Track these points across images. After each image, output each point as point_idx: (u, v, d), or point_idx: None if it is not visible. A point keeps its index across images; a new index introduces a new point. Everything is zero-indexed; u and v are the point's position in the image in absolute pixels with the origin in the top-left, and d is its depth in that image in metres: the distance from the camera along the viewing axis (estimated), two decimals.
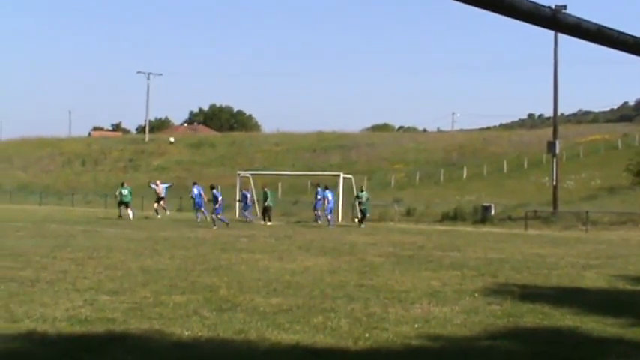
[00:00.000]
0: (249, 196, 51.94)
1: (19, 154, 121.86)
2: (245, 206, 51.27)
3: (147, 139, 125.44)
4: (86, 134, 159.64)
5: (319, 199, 47.45)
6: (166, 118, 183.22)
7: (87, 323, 11.13)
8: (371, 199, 46.00)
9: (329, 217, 46.19)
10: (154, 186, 50.67)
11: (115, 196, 51.51)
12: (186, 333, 10.48)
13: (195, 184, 46.81)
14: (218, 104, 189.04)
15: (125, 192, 48.00)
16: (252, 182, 55.53)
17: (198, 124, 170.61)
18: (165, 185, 51.53)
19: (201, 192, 44.74)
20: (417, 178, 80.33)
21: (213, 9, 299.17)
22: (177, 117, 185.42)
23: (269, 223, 45.09)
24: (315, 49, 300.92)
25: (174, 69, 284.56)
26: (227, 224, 40.10)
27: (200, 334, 10.47)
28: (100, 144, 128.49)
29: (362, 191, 46.53)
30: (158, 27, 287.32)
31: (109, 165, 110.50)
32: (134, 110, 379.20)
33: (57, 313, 11.82)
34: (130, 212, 47.82)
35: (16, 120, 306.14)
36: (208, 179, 59.02)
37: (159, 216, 48.51)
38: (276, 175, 69.93)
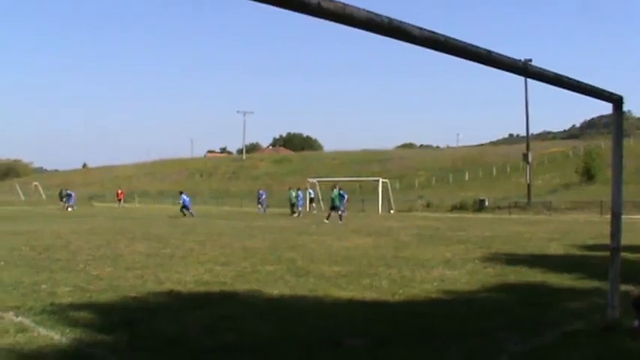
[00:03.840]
0: (264, 195, 51.77)
1: (159, 170, 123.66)
2: (262, 201, 50.99)
3: (244, 158, 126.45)
4: (203, 155, 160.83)
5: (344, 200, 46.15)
6: (257, 142, 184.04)
7: (207, 285, 11.25)
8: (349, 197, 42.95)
9: (300, 208, 44.89)
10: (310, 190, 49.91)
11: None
12: (275, 292, 10.53)
13: (181, 192, 43.99)
14: (293, 132, 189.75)
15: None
16: (317, 185, 55.61)
17: (280, 146, 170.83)
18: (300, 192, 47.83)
19: (187, 198, 42.78)
20: (434, 180, 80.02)
21: (284, 64, 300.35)
22: (265, 141, 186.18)
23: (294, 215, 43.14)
24: (361, 90, 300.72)
25: (263, 107, 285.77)
26: (192, 215, 40.82)
27: (284, 292, 10.50)
28: (213, 162, 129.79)
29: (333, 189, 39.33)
30: (252, 79, 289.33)
31: (218, 176, 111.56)
32: (235, 137, 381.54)
33: (187, 278, 11.98)
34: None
35: (159, 146, 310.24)
36: (287, 184, 59.15)
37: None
38: (334, 180, 69.66)
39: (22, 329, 7.58)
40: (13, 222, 32.86)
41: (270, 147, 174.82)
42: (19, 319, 8.19)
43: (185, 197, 42.23)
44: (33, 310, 8.72)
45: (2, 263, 14.21)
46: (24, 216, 40.87)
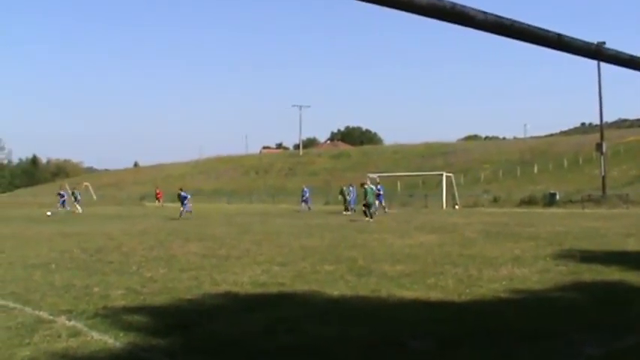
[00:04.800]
0: (308, 193, 50.92)
1: (213, 167, 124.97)
2: (306, 199, 50.10)
3: (301, 153, 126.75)
4: (258, 151, 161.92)
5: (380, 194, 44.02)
6: (314, 137, 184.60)
7: (264, 286, 11.33)
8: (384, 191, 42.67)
9: (353, 205, 43.92)
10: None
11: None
12: (335, 292, 10.55)
13: (181, 189, 41.31)
14: (352, 125, 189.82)
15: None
16: (378, 181, 55.46)
17: (338, 140, 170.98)
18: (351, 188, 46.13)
19: (187, 195, 40.07)
20: (500, 173, 78.91)
21: (340, 56, 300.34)
22: (322, 136, 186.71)
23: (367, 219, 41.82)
24: (422, 80, 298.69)
25: (320, 101, 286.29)
26: (190, 213, 38.81)
27: (345, 293, 10.52)
28: (268, 158, 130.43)
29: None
30: (308, 72, 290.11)
31: (274, 173, 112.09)
32: (291, 132, 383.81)
33: (243, 279, 12.08)
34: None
35: (213, 143, 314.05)
36: (347, 180, 59.04)
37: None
38: (395, 175, 69.51)
39: (75, 333, 7.77)
40: (63, 223, 33.64)
41: (328, 141, 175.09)
42: (72, 323, 8.39)
43: (185, 194, 40.16)
44: (85, 314, 8.92)
45: (54, 266, 14.57)
46: (74, 217, 41.85)
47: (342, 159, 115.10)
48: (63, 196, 52.39)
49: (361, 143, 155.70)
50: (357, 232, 24.26)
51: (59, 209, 49.51)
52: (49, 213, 43.94)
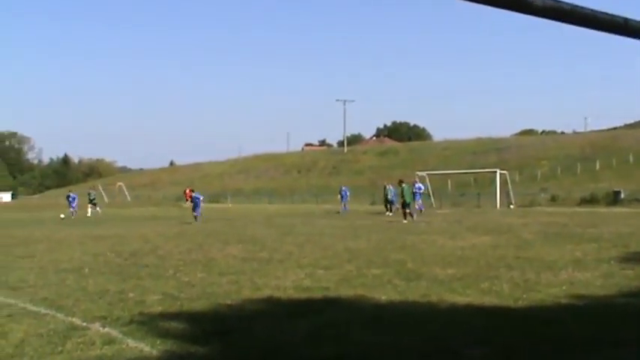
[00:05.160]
0: (347, 192, 49.99)
1: (253, 166, 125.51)
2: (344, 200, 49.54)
3: (345, 151, 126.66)
4: (300, 149, 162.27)
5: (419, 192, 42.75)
6: (359, 133, 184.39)
7: (308, 291, 11.35)
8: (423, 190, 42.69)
9: (396, 205, 41.41)
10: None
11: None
12: (383, 297, 10.53)
13: (192, 190, 41.26)
14: (399, 120, 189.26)
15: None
16: (427, 179, 55.17)
17: (384, 136, 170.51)
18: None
19: (200, 197, 38.68)
20: (559, 170, 77.97)
21: (385, 48, 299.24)
22: (368, 132, 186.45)
23: (389, 214, 41.44)
24: (472, 72, 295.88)
25: (364, 95, 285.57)
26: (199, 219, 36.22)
27: (393, 298, 10.49)
28: (311, 156, 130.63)
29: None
30: (352, 65, 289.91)
31: (317, 172, 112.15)
32: (335, 128, 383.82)
33: (286, 284, 12.12)
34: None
35: (252, 141, 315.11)
36: (394, 178, 58.76)
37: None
38: (446, 173, 69.04)
39: (110, 341, 7.86)
40: (96, 226, 34.09)
41: (374, 138, 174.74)
42: (106, 329, 8.49)
43: (197, 195, 38.81)
44: (120, 321, 9.02)
45: (87, 270, 14.75)
46: (108, 219, 42.34)
47: (388, 156, 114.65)
48: (73, 199, 49.44)
49: (409, 139, 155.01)
50: (406, 234, 24.16)
51: (72, 212, 47.73)
52: (62, 216, 44.26)
